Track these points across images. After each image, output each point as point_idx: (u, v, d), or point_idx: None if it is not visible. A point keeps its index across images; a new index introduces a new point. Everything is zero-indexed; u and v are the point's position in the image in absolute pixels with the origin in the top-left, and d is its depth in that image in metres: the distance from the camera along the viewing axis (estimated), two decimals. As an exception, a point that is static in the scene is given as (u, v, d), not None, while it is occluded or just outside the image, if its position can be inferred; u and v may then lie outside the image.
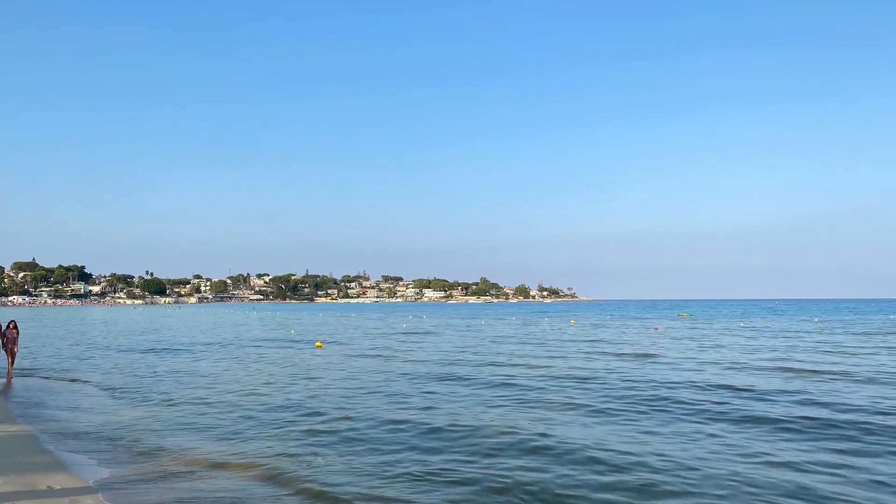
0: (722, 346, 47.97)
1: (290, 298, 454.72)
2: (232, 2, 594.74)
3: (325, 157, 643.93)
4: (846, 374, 30.71)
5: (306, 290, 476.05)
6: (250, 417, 20.75)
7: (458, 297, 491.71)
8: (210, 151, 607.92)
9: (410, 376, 30.98)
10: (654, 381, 28.52)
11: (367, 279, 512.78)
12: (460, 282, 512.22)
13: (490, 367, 34.82)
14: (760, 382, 27.66)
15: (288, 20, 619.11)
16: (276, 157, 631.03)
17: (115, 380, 30.96)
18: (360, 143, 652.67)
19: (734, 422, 19.46)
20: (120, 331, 78.53)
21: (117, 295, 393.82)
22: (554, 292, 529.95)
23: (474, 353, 43.06)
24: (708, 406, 22.10)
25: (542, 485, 13.28)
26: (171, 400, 24.60)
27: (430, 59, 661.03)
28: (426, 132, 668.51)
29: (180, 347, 50.86)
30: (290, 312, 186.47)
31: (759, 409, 21.44)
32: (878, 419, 19.49)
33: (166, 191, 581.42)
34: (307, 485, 13.38)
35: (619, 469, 14.34)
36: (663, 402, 22.93)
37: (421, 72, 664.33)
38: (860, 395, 24.18)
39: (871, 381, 28.32)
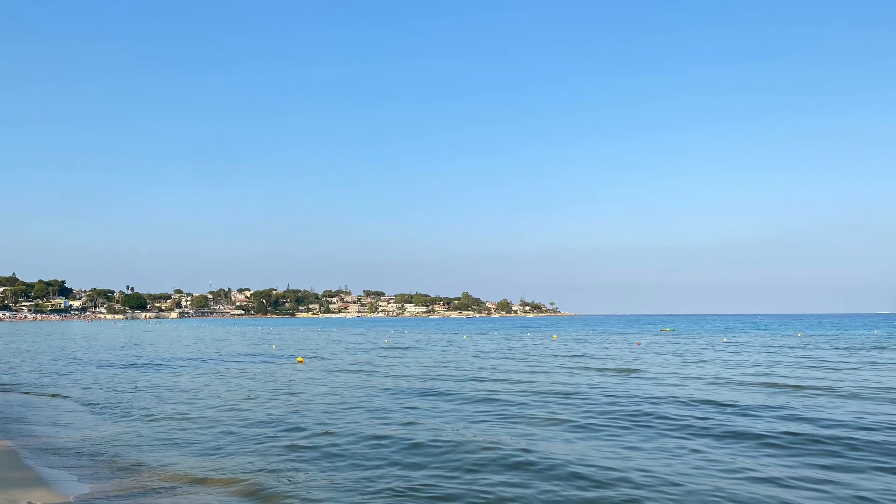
0: (705, 362, 48.03)
1: (272, 313, 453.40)
2: (212, 16, 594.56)
3: (307, 171, 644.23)
4: (830, 389, 30.78)
5: (287, 304, 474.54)
6: (231, 433, 20.61)
7: (440, 311, 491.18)
8: (191, 165, 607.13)
9: (392, 391, 30.88)
10: (636, 396, 28.51)
11: (348, 294, 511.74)
12: (442, 296, 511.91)
13: (472, 382, 34.74)
14: (744, 398, 27.70)
15: (269, 34, 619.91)
16: (258, 171, 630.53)
17: (95, 395, 30.75)
18: (341, 157, 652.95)
19: (717, 437, 19.45)
20: (100, 346, 78.03)
21: (98, 310, 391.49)
22: (536, 307, 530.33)
23: (456, 369, 42.96)
24: (691, 421, 22.09)
25: (525, 500, 13.22)
26: (152, 415, 24.42)
27: (412, 73, 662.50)
28: (408, 146, 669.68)
29: (161, 362, 50.56)
30: (271, 327, 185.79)
31: (743, 424, 21.45)
32: (861, 434, 19.52)
33: (147, 205, 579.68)
34: (288, 500, 13.28)
35: (601, 485, 14.29)
36: (646, 418, 22.92)
37: (403, 86, 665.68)
38: (844, 411, 24.22)
39: (854, 396, 28.39)
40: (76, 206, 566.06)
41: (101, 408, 26.73)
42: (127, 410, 25.79)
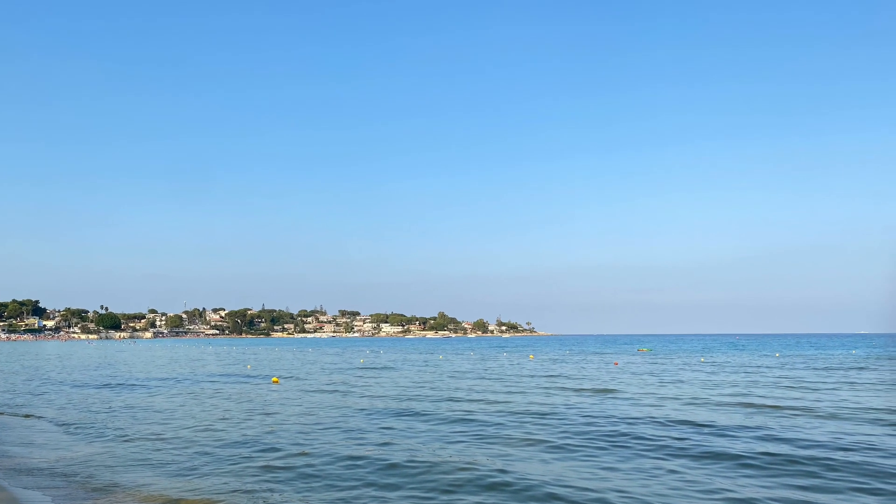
0: (682, 382, 48.11)
1: (246, 333, 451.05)
2: (186, 35, 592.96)
3: (282, 191, 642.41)
4: (807, 409, 30.86)
5: (262, 324, 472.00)
6: (206, 453, 20.43)
7: (416, 331, 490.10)
8: (165, 185, 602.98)
9: (368, 412, 30.72)
10: (613, 416, 28.49)
11: (323, 314, 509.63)
12: (418, 316, 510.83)
13: (448, 402, 34.62)
14: (721, 418, 27.73)
15: (243, 53, 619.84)
16: (233, 189, 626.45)
17: (69, 415, 30.46)
18: (317, 176, 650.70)
19: (695, 458, 19.44)
20: (74, 366, 77.33)
21: (72, 330, 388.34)
22: (513, 327, 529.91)
23: (432, 389, 42.81)
24: (668, 441, 22.08)
25: (502, 521, 13.13)
26: (127, 435, 24.19)
27: (388, 92, 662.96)
28: (383, 166, 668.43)
29: (135, 383, 50.14)
30: (245, 347, 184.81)
31: (720, 444, 21.46)
32: (839, 455, 19.56)
33: (121, 224, 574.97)
34: (263, 522, 13.14)
35: (579, 505, 14.22)
36: (623, 438, 22.89)
37: (378, 105, 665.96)
38: (821, 431, 24.29)
39: (832, 416, 28.49)
40: (50, 225, 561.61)
41: (76, 428, 26.49)
42: (101, 430, 25.55)
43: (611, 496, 14.87)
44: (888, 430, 24.78)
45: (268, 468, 18.10)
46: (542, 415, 29.14)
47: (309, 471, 17.72)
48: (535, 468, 17.96)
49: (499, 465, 18.29)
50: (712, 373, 58.90)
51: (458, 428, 25.53)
